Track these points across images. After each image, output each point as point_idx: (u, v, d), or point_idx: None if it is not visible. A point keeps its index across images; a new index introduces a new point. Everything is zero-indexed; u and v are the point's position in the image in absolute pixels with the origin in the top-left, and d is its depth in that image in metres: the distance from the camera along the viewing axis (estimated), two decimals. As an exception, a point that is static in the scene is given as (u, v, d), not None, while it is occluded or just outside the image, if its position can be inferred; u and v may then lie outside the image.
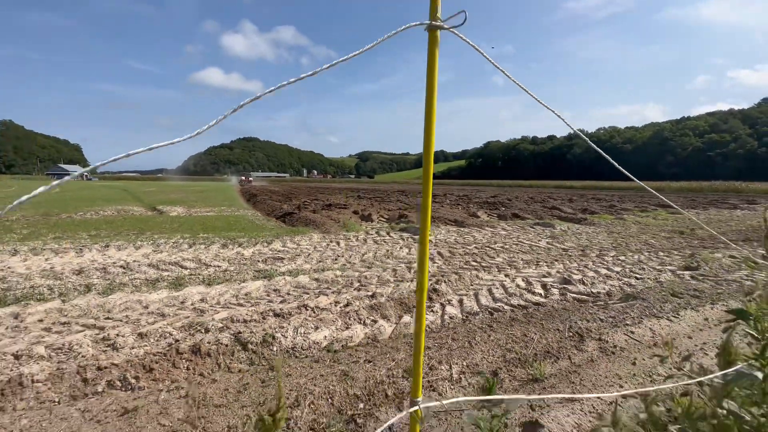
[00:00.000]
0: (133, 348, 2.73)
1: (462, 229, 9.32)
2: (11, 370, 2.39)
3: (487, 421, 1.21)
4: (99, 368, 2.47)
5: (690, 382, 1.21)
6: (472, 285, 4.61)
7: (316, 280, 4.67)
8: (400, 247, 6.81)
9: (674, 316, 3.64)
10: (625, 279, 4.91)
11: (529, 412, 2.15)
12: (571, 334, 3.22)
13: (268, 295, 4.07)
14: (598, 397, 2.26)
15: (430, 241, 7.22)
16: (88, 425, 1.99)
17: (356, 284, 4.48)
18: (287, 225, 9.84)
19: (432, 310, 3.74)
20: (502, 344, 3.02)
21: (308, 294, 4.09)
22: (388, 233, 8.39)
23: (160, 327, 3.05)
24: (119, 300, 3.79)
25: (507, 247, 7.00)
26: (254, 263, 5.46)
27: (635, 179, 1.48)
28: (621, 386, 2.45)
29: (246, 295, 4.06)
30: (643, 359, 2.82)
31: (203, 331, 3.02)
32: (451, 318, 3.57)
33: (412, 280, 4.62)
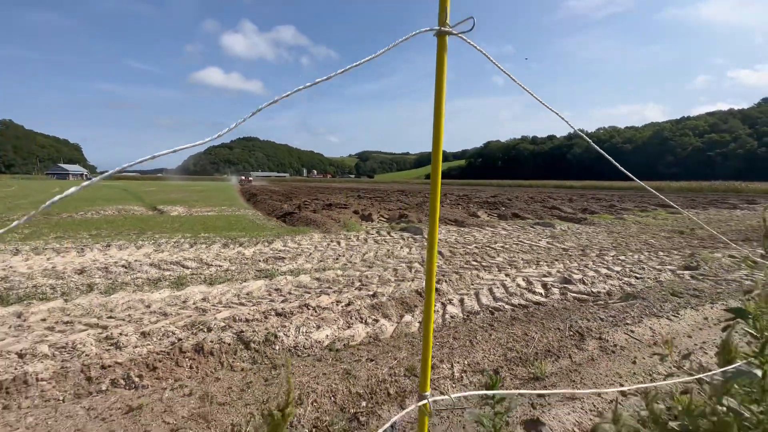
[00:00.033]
0: (136, 347, 2.75)
1: (462, 228, 9.33)
2: (16, 369, 2.41)
3: (489, 418, 1.23)
4: (103, 367, 2.49)
5: (690, 379, 1.22)
6: (472, 284, 4.62)
7: (318, 279, 4.68)
8: (401, 247, 6.82)
9: (674, 316, 3.66)
10: (625, 278, 4.93)
11: (530, 410, 2.16)
12: (571, 333, 3.24)
13: (269, 295, 4.08)
14: (599, 395, 2.28)
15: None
16: (94, 423, 2.01)
17: (357, 284, 4.50)
18: (288, 225, 9.85)
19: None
20: (503, 343, 3.03)
21: (310, 293, 4.11)
22: (388, 233, 8.41)
23: (163, 326, 3.07)
24: (121, 299, 3.80)
25: (507, 246, 7.02)
26: (255, 263, 5.47)
27: (635, 179, 1.50)
28: (621, 384, 2.47)
29: (248, 294, 4.07)
30: (644, 358, 2.84)
31: (206, 330, 3.03)
32: (452, 317, 3.59)
33: (412, 280, 4.64)
